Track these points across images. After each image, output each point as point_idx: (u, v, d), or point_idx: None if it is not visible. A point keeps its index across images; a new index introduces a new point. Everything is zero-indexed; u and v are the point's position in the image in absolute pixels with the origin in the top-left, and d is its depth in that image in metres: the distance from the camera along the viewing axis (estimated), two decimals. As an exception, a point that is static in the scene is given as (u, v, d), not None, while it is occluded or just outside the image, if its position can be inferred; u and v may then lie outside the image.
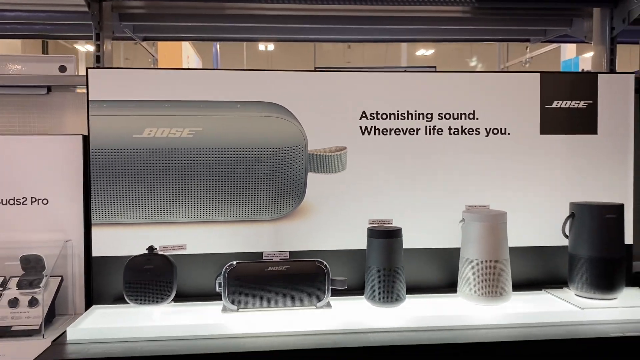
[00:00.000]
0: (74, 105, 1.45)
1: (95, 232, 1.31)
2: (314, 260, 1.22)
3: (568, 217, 1.29)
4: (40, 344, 1.11)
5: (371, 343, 1.05)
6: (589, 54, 1.52)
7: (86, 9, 1.42)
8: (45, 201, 1.34)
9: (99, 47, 1.46)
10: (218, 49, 7.87)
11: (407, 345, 1.04)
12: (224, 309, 1.20)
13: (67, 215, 1.33)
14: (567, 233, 1.30)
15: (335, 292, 1.26)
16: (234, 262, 1.20)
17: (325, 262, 1.22)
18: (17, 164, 1.32)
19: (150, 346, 1.03)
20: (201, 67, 5.68)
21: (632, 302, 1.25)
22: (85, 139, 1.34)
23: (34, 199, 1.33)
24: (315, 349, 1.03)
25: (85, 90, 1.43)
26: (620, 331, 1.11)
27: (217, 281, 1.20)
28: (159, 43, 4.36)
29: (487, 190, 1.39)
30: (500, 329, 1.13)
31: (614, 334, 1.10)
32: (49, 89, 1.44)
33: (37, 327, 1.19)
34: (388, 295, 1.20)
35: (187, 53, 4.80)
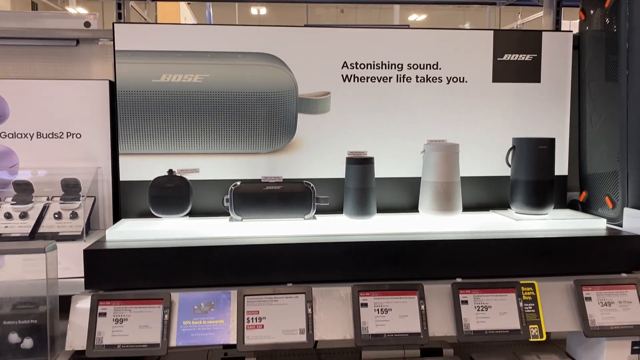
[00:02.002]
0: (98, 56, 1.70)
1: (122, 160, 1.58)
2: (302, 182, 1.50)
3: (510, 149, 1.57)
4: (84, 245, 1.39)
5: (347, 239, 1.35)
6: (576, 21, 1.79)
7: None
8: (78, 135, 1.60)
9: (120, 6, 1.71)
10: (211, 12, 8.01)
11: (376, 241, 1.34)
12: (231, 219, 1.49)
13: (97, 147, 1.60)
14: (510, 162, 1.58)
15: (319, 211, 1.55)
16: (238, 183, 1.48)
17: (312, 184, 1.50)
18: (54, 104, 1.58)
19: (175, 243, 1.31)
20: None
21: (559, 216, 1.55)
22: (111, 84, 1.60)
23: (69, 134, 1.60)
24: (303, 243, 1.32)
25: (106, 43, 1.69)
26: (546, 234, 1.41)
27: (224, 198, 1.49)
28: (159, 4, 4.59)
29: (446, 129, 1.67)
30: (452, 234, 1.42)
31: (541, 235, 1.39)
32: (78, 41, 1.69)
33: (79, 233, 1.47)
34: (362, 209, 1.50)
35: (185, 14, 5.00)
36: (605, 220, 1.52)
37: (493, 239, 1.37)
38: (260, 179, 1.54)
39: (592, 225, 1.51)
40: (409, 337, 1.24)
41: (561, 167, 1.71)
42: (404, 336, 1.24)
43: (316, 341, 1.77)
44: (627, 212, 1.47)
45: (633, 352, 1.32)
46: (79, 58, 1.71)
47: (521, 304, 1.29)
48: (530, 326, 1.28)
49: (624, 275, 1.38)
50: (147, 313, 1.21)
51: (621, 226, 1.50)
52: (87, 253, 1.26)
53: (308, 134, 1.64)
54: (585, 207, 1.71)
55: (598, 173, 1.64)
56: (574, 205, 1.74)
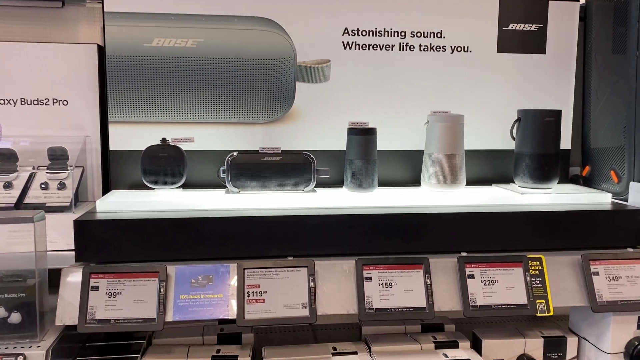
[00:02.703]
0: (86, 19, 1.61)
1: (111, 128, 1.51)
2: (302, 153, 1.45)
3: (515, 121, 1.53)
4: (73, 216, 1.33)
5: (350, 212, 1.30)
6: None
7: None
8: (65, 102, 1.52)
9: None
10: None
11: (380, 214, 1.29)
12: (227, 191, 1.43)
13: (85, 114, 1.52)
14: (514, 135, 1.54)
15: (318, 184, 1.50)
16: (235, 153, 1.42)
17: (311, 155, 1.44)
18: (39, 69, 1.49)
19: (169, 214, 1.25)
20: None
21: (563, 190, 1.52)
22: (100, 48, 1.51)
23: (55, 100, 1.52)
24: (304, 215, 1.27)
25: (94, 5, 1.60)
26: (552, 208, 1.37)
27: (220, 169, 1.42)
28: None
29: (450, 100, 1.62)
30: (457, 207, 1.37)
31: (547, 209, 1.36)
32: (63, 2, 1.59)
33: (67, 204, 1.40)
34: (364, 182, 1.44)
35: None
36: (610, 194, 1.49)
37: (499, 212, 1.33)
38: (258, 150, 1.48)
39: (597, 199, 1.47)
40: (414, 311, 1.21)
41: (564, 140, 1.67)
42: (409, 311, 1.21)
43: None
44: (634, 186, 1.45)
45: (639, 326, 1.30)
46: (65, 20, 1.61)
47: (528, 278, 1.26)
48: (537, 301, 1.25)
49: (630, 250, 1.36)
50: (142, 287, 1.15)
51: (626, 201, 1.47)
52: (78, 224, 1.19)
53: (307, 103, 1.57)
54: (587, 182, 1.68)
55: (603, 147, 1.61)
56: (576, 180, 1.71)
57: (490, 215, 1.32)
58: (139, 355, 1.25)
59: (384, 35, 1.58)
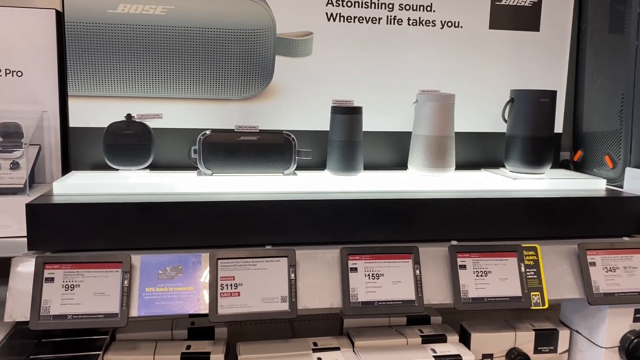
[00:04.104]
0: (43, -19, 1.46)
1: (71, 103, 1.37)
2: (282, 132, 1.33)
3: (508, 102, 1.44)
4: (27, 199, 1.19)
5: (333, 197, 1.19)
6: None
7: None
8: (19, 73, 1.37)
9: None
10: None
11: (365, 199, 1.19)
12: (199, 173, 1.31)
13: (43, 87, 1.38)
14: (506, 117, 1.46)
15: (299, 166, 1.39)
16: (208, 131, 1.30)
17: (292, 135, 1.33)
18: (-12, 35, 1.34)
19: (133, 198, 1.13)
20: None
21: (555, 176, 1.44)
22: (58, 14, 1.37)
23: (7, 71, 1.36)
24: (284, 200, 1.16)
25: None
26: (546, 194, 1.29)
27: (192, 149, 1.30)
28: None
29: (439, 78, 1.52)
30: (447, 192, 1.29)
31: (541, 195, 1.28)
32: (17, -38, 1.44)
33: (21, 186, 1.26)
34: (348, 164, 1.34)
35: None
36: (605, 180, 1.42)
37: (491, 198, 1.25)
38: (233, 129, 1.37)
39: (591, 185, 1.40)
40: (403, 304, 1.12)
41: (556, 123, 1.59)
42: (397, 304, 1.12)
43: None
44: (629, 172, 1.38)
45: (635, 320, 1.24)
46: (18, -17, 1.46)
47: (523, 269, 1.18)
48: (532, 293, 1.17)
49: (625, 239, 1.29)
50: (103, 278, 1.04)
51: (621, 187, 1.41)
52: (31, 208, 1.06)
53: (287, 79, 1.46)
54: (578, 167, 1.61)
55: (597, 131, 1.53)
56: (566, 165, 1.65)
57: (482, 201, 1.24)
58: (101, 352, 1.13)
59: (371, 7, 1.47)
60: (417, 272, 1.14)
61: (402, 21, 1.49)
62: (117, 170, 1.32)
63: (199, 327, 1.28)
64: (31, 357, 1.11)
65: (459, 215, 1.23)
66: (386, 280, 1.13)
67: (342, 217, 1.17)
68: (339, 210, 1.17)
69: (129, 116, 1.29)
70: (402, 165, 1.49)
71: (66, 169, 1.40)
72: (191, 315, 1.32)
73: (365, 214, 1.18)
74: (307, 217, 1.16)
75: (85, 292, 1.02)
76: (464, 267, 1.16)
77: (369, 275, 1.12)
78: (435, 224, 1.21)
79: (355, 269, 1.12)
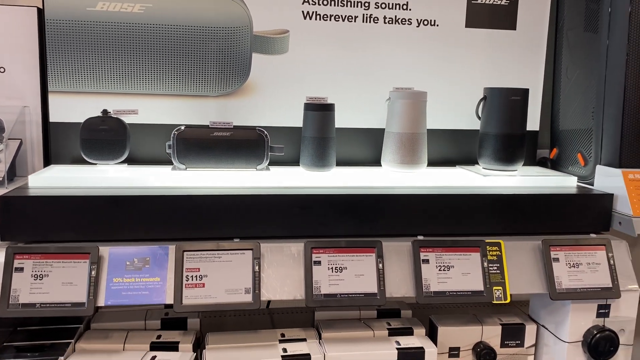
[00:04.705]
0: (26, -21, 1.49)
1: (51, 99, 1.40)
2: (255, 128, 1.36)
3: (481, 100, 1.46)
4: (4, 192, 1.23)
5: (301, 192, 1.22)
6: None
7: None
8: (2, 69, 1.41)
9: None
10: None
11: (332, 194, 1.21)
12: (174, 168, 1.34)
13: (24, 83, 1.42)
14: (480, 114, 1.47)
15: (274, 162, 1.42)
16: (182, 127, 1.33)
17: (265, 131, 1.36)
18: (-28, 32, 1.38)
19: (108, 191, 1.16)
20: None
21: (528, 173, 1.46)
22: (40, 11, 1.40)
23: (-9, 67, 1.41)
24: (251, 195, 1.19)
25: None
26: (513, 191, 1.31)
27: (167, 144, 1.33)
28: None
29: (414, 77, 1.54)
30: (415, 188, 1.31)
31: (508, 192, 1.30)
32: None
33: (0, 179, 1.30)
34: (320, 160, 1.37)
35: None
36: (576, 178, 1.43)
37: (457, 195, 1.26)
38: (208, 125, 1.40)
39: (561, 183, 1.42)
40: (365, 297, 1.15)
41: (533, 121, 1.62)
42: (359, 297, 1.14)
43: (269, 301, 1.68)
44: (600, 169, 1.39)
45: (599, 315, 1.25)
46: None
47: (485, 264, 1.21)
48: (494, 287, 1.19)
49: (593, 235, 1.31)
50: (71, 269, 1.07)
51: (592, 185, 1.42)
52: (3, 200, 1.10)
53: (263, 76, 1.48)
54: (555, 165, 1.62)
55: (571, 129, 1.55)
56: (543, 163, 1.66)
57: (448, 197, 1.26)
58: (73, 340, 1.17)
59: (347, 5, 1.49)
60: (380, 265, 1.16)
61: (378, 19, 1.51)
62: (95, 164, 1.35)
63: (172, 318, 1.31)
64: (5, 344, 1.15)
65: (426, 211, 1.25)
66: (349, 273, 1.15)
67: (309, 211, 1.20)
68: (305, 205, 1.20)
69: (104, 112, 1.32)
70: (377, 162, 1.51)
71: (48, 163, 1.44)
72: (167, 306, 1.36)
73: (332, 208, 1.21)
74: (274, 212, 1.19)
75: (54, 282, 1.06)
76: (426, 261, 1.18)
77: (332, 268, 1.15)
78: (401, 219, 1.24)
79: (319, 262, 1.15)
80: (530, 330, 1.33)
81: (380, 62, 1.53)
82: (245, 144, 1.34)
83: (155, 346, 1.18)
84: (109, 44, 1.40)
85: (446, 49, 1.55)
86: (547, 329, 1.32)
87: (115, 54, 1.40)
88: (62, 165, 1.40)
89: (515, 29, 1.58)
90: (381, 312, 1.39)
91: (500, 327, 1.32)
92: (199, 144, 1.32)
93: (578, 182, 1.44)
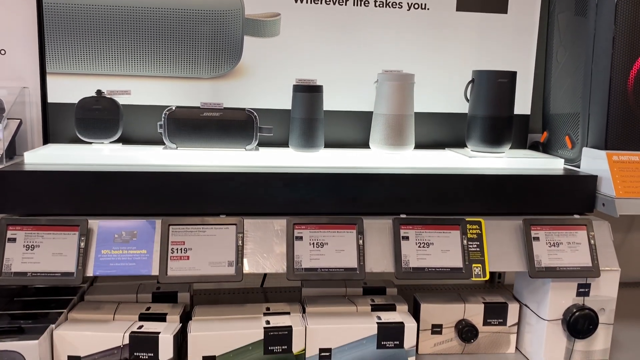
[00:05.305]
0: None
1: (50, 80, 1.45)
2: (244, 109, 1.39)
3: (469, 82, 1.48)
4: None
5: (287, 170, 1.25)
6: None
7: None
8: (2, 52, 1.46)
9: None
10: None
11: (316, 173, 1.24)
12: (165, 147, 1.38)
13: (24, 65, 1.47)
14: (468, 97, 1.49)
15: (264, 144, 1.45)
16: (173, 107, 1.37)
17: (254, 112, 1.39)
18: (-26, 16, 1.43)
19: (101, 167, 1.21)
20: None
21: (515, 155, 1.48)
22: (39, -5, 1.45)
23: (-8, 50, 1.46)
24: (237, 173, 1.23)
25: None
26: (497, 172, 1.33)
27: (158, 124, 1.38)
28: None
29: (405, 61, 1.56)
30: (399, 168, 1.33)
31: (492, 172, 1.32)
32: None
33: (-1, 157, 1.35)
34: (308, 141, 1.40)
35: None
36: (563, 160, 1.45)
37: (441, 175, 1.29)
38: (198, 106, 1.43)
39: (548, 165, 1.43)
40: (345, 272, 1.18)
41: (523, 105, 1.63)
42: (339, 271, 1.18)
43: (263, 280, 1.72)
44: (586, 151, 1.40)
45: (579, 294, 1.27)
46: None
47: (465, 242, 1.23)
48: (473, 265, 1.22)
49: (576, 216, 1.32)
50: (61, 240, 1.12)
51: (579, 167, 1.43)
52: (-2, 174, 1.15)
53: (255, 59, 1.51)
54: (546, 149, 1.63)
55: (560, 113, 1.55)
56: (535, 147, 1.67)
57: (431, 177, 1.28)
58: (66, 310, 1.22)
59: (337, -10, 1.51)
60: (361, 241, 1.19)
61: (368, 3, 1.53)
62: (90, 143, 1.40)
63: (163, 292, 1.36)
64: (1, 312, 1.20)
65: (409, 191, 1.27)
66: (330, 248, 1.19)
67: (294, 189, 1.23)
68: (290, 183, 1.23)
69: (98, 92, 1.37)
70: (367, 144, 1.54)
71: (47, 142, 1.49)
72: (159, 281, 1.40)
73: (316, 187, 1.24)
74: (260, 189, 1.23)
75: (45, 253, 1.11)
76: (406, 238, 1.21)
77: (313, 243, 1.18)
78: (384, 198, 1.26)
79: (300, 238, 1.18)
80: (513, 309, 1.35)
81: (371, 45, 1.55)
82: (234, 125, 1.38)
83: (144, 317, 1.22)
84: (104, 26, 1.44)
85: (437, 33, 1.57)
86: (529, 308, 1.34)
87: (110, 37, 1.44)
88: (58, 144, 1.45)
89: (506, 13, 1.59)
90: (367, 289, 1.42)
91: (482, 305, 1.34)
92: (189, 124, 1.36)
93: (565, 164, 1.45)
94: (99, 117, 1.35)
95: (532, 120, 1.67)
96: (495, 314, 1.35)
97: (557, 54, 1.56)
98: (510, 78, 1.44)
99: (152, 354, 1.12)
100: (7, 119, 1.41)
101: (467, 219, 1.24)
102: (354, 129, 1.58)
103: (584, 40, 1.43)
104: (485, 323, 1.35)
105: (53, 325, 1.13)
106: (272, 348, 1.16)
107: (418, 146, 1.53)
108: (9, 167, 1.20)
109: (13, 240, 1.11)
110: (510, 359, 1.34)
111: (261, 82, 1.52)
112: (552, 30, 1.59)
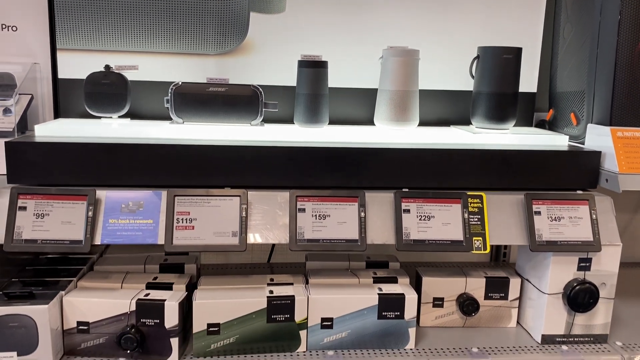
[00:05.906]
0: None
1: (60, 56, 1.48)
2: (250, 85, 1.41)
3: (474, 59, 1.48)
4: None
5: (288, 144, 1.27)
6: None
7: None
8: (14, 28, 1.49)
9: None
10: None
11: (319, 147, 1.26)
12: (172, 122, 1.40)
13: (35, 41, 1.49)
14: (473, 73, 1.49)
15: (270, 120, 1.47)
16: (179, 82, 1.39)
17: (259, 87, 1.41)
18: (-14, -7, 1.46)
19: (110, 140, 1.24)
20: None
21: (519, 132, 1.48)
22: (48, -28, 1.47)
23: (4, 26, 1.48)
24: (242, 146, 1.25)
25: None
26: (501, 147, 1.33)
27: (165, 99, 1.40)
28: None
29: (412, 37, 1.56)
30: (402, 144, 1.34)
31: (495, 148, 1.32)
32: None
33: (11, 130, 1.39)
34: (313, 117, 1.41)
35: None
36: (567, 137, 1.45)
37: (443, 149, 1.29)
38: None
39: (552, 141, 1.43)
40: (346, 243, 1.20)
41: (530, 83, 1.62)
42: (340, 242, 1.20)
43: (270, 254, 1.75)
44: (591, 128, 1.40)
45: (579, 268, 1.28)
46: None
47: (466, 215, 1.24)
48: (474, 238, 1.23)
49: (579, 192, 1.33)
50: (70, 209, 1.15)
51: (584, 144, 1.43)
52: (10, 145, 1.18)
53: (261, 35, 1.53)
54: (552, 127, 1.63)
55: (566, 90, 1.55)
56: (541, 125, 1.67)
57: (433, 152, 1.29)
58: (75, 279, 1.26)
59: (343, -34, 1.52)
60: (362, 214, 1.21)
61: (374, -21, 1.53)
62: (99, 118, 1.43)
63: (171, 264, 1.39)
64: (13, 279, 1.24)
65: (411, 166, 1.28)
66: (332, 220, 1.20)
67: (297, 163, 1.25)
68: (294, 157, 1.25)
69: (107, 67, 1.39)
70: (372, 121, 1.55)
71: (58, 117, 1.52)
72: (167, 253, 1.44)
73: (319, 161, 1.25)
74: (263, 163, 1.24)
75: (54, 221, 1.14)
76: (407, 211, 1.23)
77: (315, 215, 1.20)
78: (387, 173, 1.28)
79: (303, 210, 1.20)
80: (514, 283, 1.37)
81: (377, 22, 1.55)
82: (240, 100, 1.40)
83: (151, 286, 1.25)
84: (112, 3, 1.46)
85: (445, 9, 1.57)
86: (530, 282, 1.36)
87: (118, 14, 1.47)
88: (68, 119, 1.48)
89: (513, -12, 1.58)
90: (370, 263, 1.44)
91: (484, 279, 1.36)
92: (196, 99, 1.38)
93: (570, 141, 1.45)
94: (108, 92, 1.37)
95: (539, 99, 1.67)
96: (496, 288, 1.36)
97: (564, 31, 1.55)
98: (515, 54, 1.43)
99: (158, 321, 1.15)
100: (19, 94, 1.45)
101: (468, 193, 1.25)
102: (359, 106, 1.59)
103: (591, 17, 1.42)
104: (486, 297, 1.36)
105: (63, 292, 1.17)
106: (274, 317, 1.19)
107: (423, 124, 1.53)
108: (20, 138, 1.23)
109: (24, 208, 1.14)
110: (511, 333, 1.36)
111: (267, 58, 1.54)
112: (560, 6, 1.58)
